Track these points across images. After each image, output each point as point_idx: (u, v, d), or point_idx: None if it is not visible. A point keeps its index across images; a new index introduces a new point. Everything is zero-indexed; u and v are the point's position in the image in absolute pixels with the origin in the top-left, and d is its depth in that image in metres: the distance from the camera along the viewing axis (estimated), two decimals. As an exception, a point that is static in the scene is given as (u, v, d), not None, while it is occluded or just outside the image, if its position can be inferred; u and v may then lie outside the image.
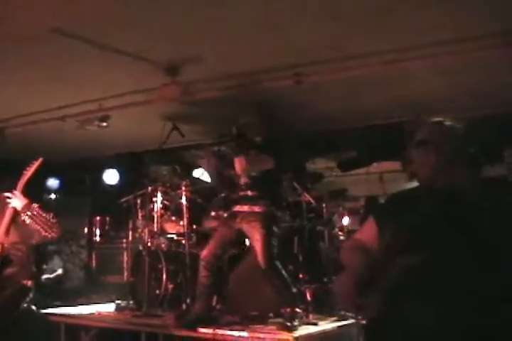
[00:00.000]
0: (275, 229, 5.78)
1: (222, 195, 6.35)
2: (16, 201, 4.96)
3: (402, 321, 2.58)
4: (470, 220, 2.56)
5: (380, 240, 2.86)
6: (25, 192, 5.08)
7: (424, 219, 2.66)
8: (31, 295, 5.20)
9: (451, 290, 2.55)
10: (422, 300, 2.56)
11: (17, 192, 5.02)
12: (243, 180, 5.88)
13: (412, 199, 2.83)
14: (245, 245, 6.33)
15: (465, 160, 2.77)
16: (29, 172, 5.16)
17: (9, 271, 4.95)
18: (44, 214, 4.97)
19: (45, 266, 9.74)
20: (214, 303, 6.24)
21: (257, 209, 5.74)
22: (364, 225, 3.16)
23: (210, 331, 5.47)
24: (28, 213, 4.90)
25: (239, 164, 5.82)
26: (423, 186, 2.82)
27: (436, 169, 2.75)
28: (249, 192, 5.83)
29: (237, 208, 5.88)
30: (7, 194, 5.03)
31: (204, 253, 5.90)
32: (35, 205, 5.00)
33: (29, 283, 5.12)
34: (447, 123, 2.87)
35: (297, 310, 5.73)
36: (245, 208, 5.81)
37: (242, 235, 5.90)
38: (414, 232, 2.65)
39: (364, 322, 2.91)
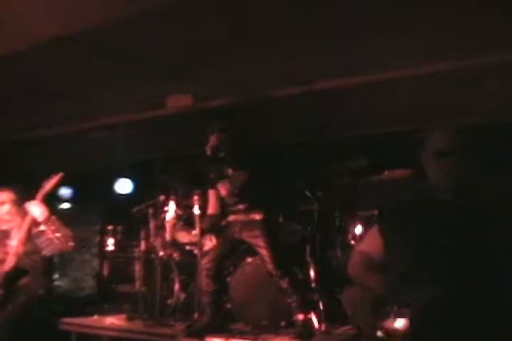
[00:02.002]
0: (278, 234, 5.81)
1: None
2: (37, 212, 4.98)
3: None
4: (496, 233, 2.52)
5: (389, 252, 2.80)
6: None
7: (443, 231, 2.61)
8: (44, 303, 5.21)
9: (482, 315, 2.49)
10: (451, 326, 2.50)
11: (38, 203, 5.03)
12: (231, 198, 5.91)
13: (421, 210, 2.76)
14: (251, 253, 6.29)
15: (484, 169, 2.73)
16: (48, 186, 5.18)
17: (23, 280, 4.98)
18: (62, 228, 5.01)
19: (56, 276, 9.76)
20: (223, 311, 6.22)
21: (256, 217, 5.77)
22: (368, 235, 3.08)
23: (221, 340, 5.45)
24: (48, 225, 4.93)
25: (224, 189, 5.87)
26: (441, 197, 2.74)
27: (459, 180, 2.68)
28: (240, 206, 5.87)
29: (232, 218, 5.92)
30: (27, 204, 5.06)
31: (204, 261, 5.93)
32: (54, 218, 5.03)
33: (41, 292, 5.14)
34: (465, 132, 2.82)
35: (309, 316, 5.70)
36: (242, 217, 5.84)
37: (242, 243, 5.93)
38: (437, 248, 2.59)
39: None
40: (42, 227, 4.98)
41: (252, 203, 5.82)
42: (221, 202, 6.03)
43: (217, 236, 6.08)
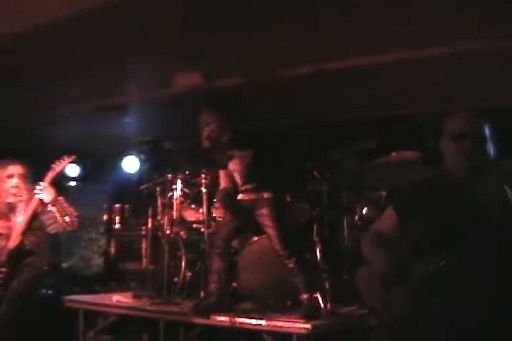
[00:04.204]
0: (285, 214, 5.84)
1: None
2: (44, 193, 4.98)
3: (435, 323, 2.54)
4: (507, 218, 2.54)
5: (403, 231, 2.82)
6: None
7: (459, 213, 2.62)
8: (49, 279, 5.23)
9: (489, 290, 2.51)
10: (456, 302, 2.51)
11: (45, 184, 5.04)
12: (240, 178, 5.93)
13: (437, 191, 2.78)
14: (258, 232, 6.30)
15: (497, 151, 2.75)
16: (59, 167, 5.18)
17: (28, 257, 4.99)
18: (69, 208, 5.02)
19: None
20: (230, 290, 6.25)
21: (265, 195, 5.78)
22: (383, 215, 3.11)
23: (227, 319, 5.47)
24: (55, 206, 4.95)
25: (234, 167, 5.87)
26: (455, 178, 2.76)
27: (475, 162, 2.71)
28: (249, 186, 5.89)
29: (242, 197, 5.94)
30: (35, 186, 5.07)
31: (213, 239, 6.00)
32: (61, 198, 5.04)
33: (46, 268, 5.16)
34: (482, 114, 2.83)
35: (315, 296, 5.72)
36: (251, 196, 5.87)
37: (251, 222, 5.93)
38: (447, 226, 2.61)
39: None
40: (49, 207, 4.99)
41: (260, 183, 5.84)
42: (232, 180, 6.03)
43: (230, 210, 6.05)
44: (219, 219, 6.49)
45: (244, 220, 5.96)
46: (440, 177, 2.86)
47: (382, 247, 2.88)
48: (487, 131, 2.76)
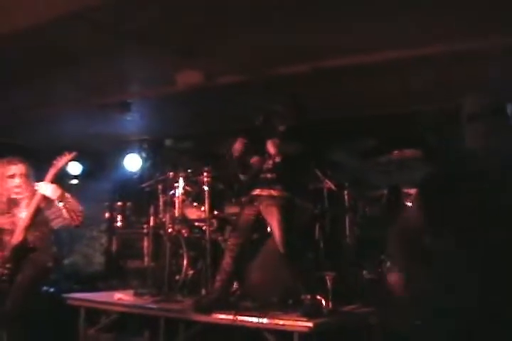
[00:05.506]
0: (293, 214, 5.80)
1: (245, 180, 6.30)
2: (48, 189, 5.00)
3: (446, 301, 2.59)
4: None
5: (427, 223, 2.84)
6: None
7: (478, 204, 2.64)
8: (52, 276, 5.23)
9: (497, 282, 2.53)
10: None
11: (49, 182, 5.06)
12: (267, 164, 5.88)
13: (457, 182, 2.78)
14: (267, 230, 6.30)
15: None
16: (60, 163, 5.19)
17: (31, 253, 5.01)
18: (75, 204, 5.04)
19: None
20: (234, 289, 6.25)
21: (275, 192, 5.76)
22: (409, 208, 3.13)
23: (229, 317, 5.47)
24: (63, 201, 4.97)
25: (272, 145, 5.80)
26: (475, 167, 2.76)
27: (491, 142, 2.71)
28: (268, 175, 5.85)
29: (257, 192, 5.90)
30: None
31: (230, 241, 5.96)
32: (68, 195, 5.06)
33: (50, 264, 5.18)
34: (494, 98, 2.84)
35: (317, 296, 5.71)
36: (264, 192, 5.83)
37: (262, 220, 5.91)
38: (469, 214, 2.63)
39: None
40: (56, 203, 5.01)
41: (279, 177, 5.83)
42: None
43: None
44: (235, 220, 6.42)
45: (256, 218, 5.93)
46: (458, 169, 2.85)
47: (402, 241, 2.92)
48: (501, 111, 2.77)
